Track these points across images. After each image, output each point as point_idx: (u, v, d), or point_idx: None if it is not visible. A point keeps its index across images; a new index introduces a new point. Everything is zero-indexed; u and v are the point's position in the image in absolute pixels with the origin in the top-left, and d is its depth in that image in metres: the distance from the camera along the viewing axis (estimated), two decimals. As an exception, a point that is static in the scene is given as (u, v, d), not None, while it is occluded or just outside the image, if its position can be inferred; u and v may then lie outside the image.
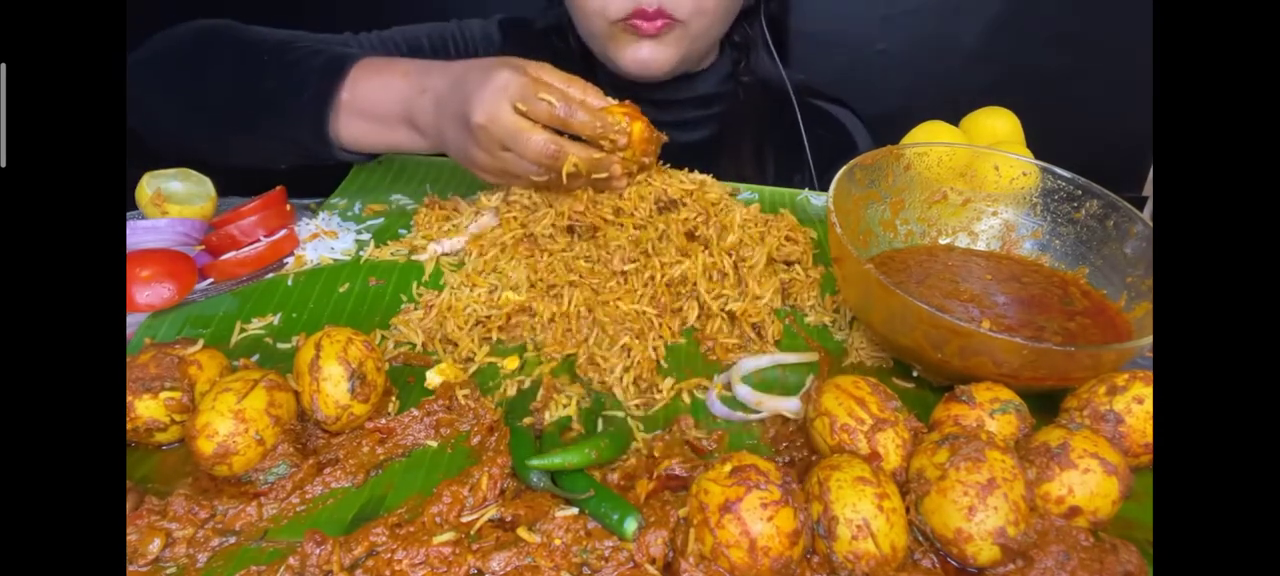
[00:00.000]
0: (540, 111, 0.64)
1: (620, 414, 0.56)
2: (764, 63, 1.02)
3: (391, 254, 0.72)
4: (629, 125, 0.67)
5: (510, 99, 0.64)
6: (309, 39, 0.83)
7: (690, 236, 0.71)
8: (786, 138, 1.00)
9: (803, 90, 1.02)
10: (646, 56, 0.88)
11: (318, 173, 0.86)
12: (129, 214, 0.74)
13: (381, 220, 0.79)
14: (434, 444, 0.52)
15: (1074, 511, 0.44)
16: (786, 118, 0.99)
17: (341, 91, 0.74)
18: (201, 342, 0.53)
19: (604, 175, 0.68)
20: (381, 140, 0.77)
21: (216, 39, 0.83)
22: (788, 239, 0.73)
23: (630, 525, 0.43)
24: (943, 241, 0.71)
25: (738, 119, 1.00)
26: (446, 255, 0.71)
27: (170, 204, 0.73)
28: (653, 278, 0.66)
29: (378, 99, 0.74)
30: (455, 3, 1.15)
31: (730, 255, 0.68)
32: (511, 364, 0.60)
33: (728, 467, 0.42)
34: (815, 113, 1.02)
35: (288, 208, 0.74)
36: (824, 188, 0.98)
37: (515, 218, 0.72)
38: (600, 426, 0.53)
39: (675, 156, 0.84)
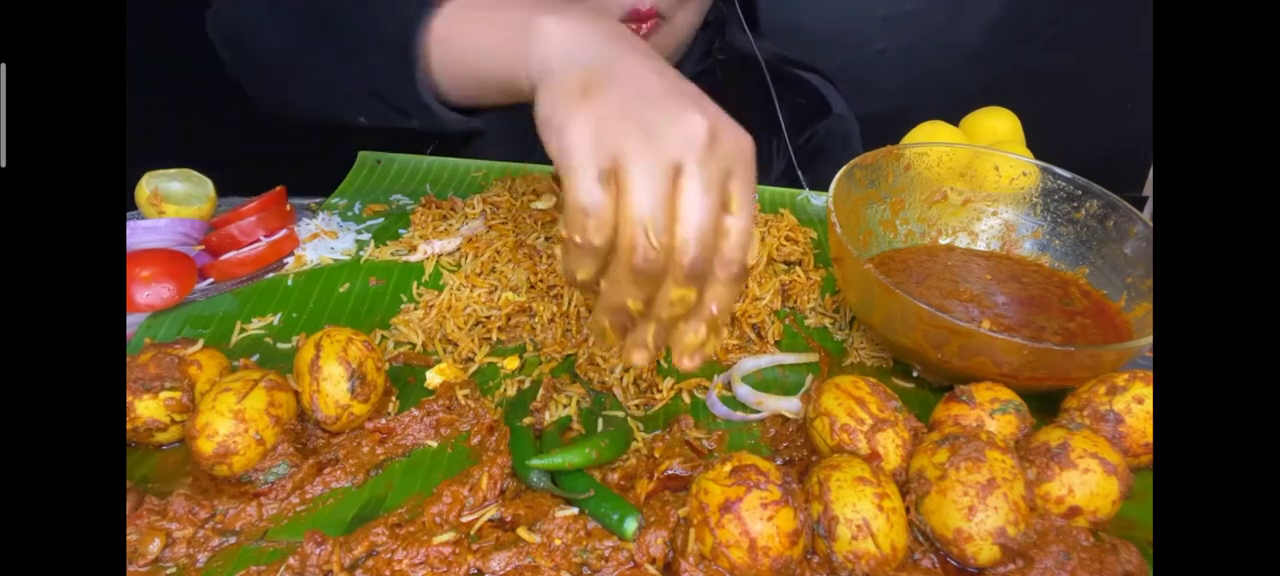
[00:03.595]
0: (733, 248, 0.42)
1: (620, 413, 0.56)
2: (738, 39, 1.02)
3: (391, 254, 0.72)
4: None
5: (664, 164, 0.39)
6: None
7: (690, 236, 0.71)
8: (763, 108, 1.00)
9: (778, 61, 1.03)
10: None
11: (319, 174, 0.86)
12: (129, 214, 0.74)
13: (381, 220, 0.79)
14: (434, 444, 0.52)
15: (1074, 511, 0.44)
16: (761, 88, 0.99)
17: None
18: (201, 342, 0.53)
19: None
20: (482, 43, 0.54)
21: None
22: (787, 239, 0.73)
23: (630, 525, 0.43)
24: (943, 241, 0.71)
25: (716, 95, 1.00)
26: (441, 255, 0.72)
27: (168, 204, 0.73)
28: (653, 278, 0.66)
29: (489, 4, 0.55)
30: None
31: (730, 255, 0.68)
32: (511, 364, 0.60)
33: (728, 467, 0.42)
34: (791, 80, 1.03)
35: (288, 208, 0.74)
36: (797, 152, 0.98)
37: (505, 225, 0.72)
38: (600, 426, 0.53)
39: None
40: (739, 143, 0.43)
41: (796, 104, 1.02)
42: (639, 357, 0.44)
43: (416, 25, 0.56)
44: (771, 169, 1.01)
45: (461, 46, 0.55)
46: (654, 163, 0.39)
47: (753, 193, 0.43)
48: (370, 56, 0.59)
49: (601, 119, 0.40)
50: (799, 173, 0.93)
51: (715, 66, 1.01)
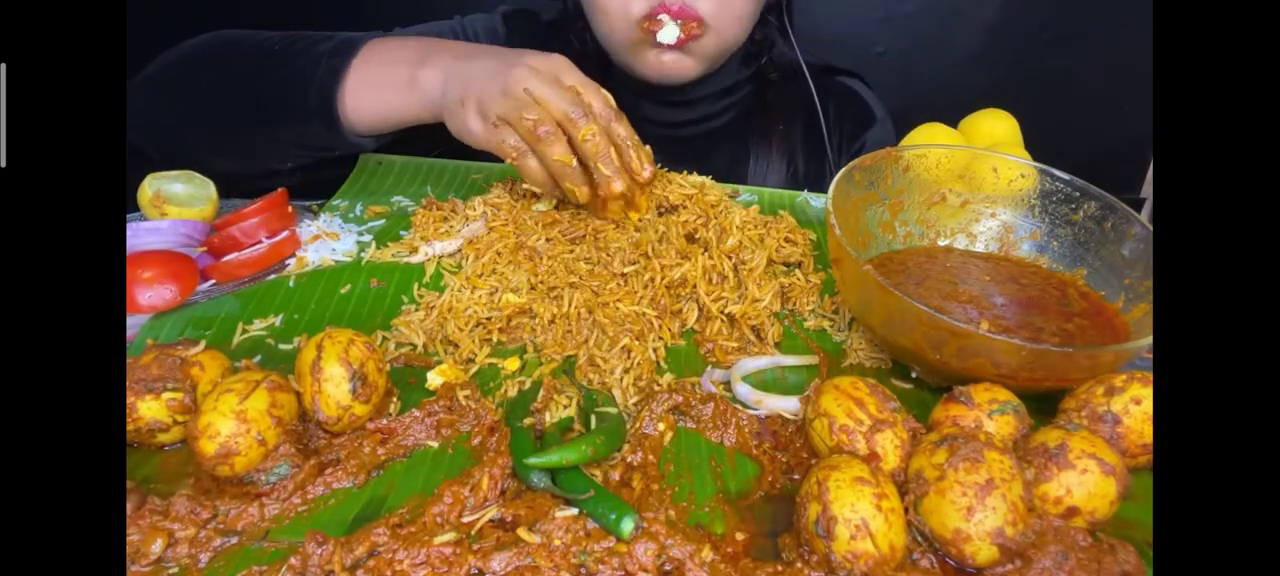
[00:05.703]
0: (594, 104, 0.67)
1: (613, 409, 0.56)
2: (782, 52, 1.02)
3: (392, 255, 0.72)
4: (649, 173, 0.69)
5: (575, 79, 0.68)
6: (318, 33, 0.83)
7: (690, 239, 0.71)
8: (813, 125, 1.02)
9: (822, 69, 1.03)
10: (669, 61, 0.86)
11: (320, 176, 0.86)
12: (131, 215, 0.74)
13: (382, 222, 0.79)
14: (435, 444, 0.52)
15: (1072, 511, 0.44)
16: (806, 99, 1.00)
17: (352, 68, 0.75)
18: (203, 343, 0.53)
19: (597, 194, 0.69)
20: (382, 103, 0.76)
21: (229, 44, 0.83)
22: (786, 240, 0.73)
23: (627, 525, 0.43)
24: (941, 243, 0.72)
25: (761, 107, 1.02)
26: (442, 256, 0.72)
27: (170, 205, 0.73)
28: (653, 280, 0.66)
29: (388, 61, 0.76)
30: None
31: (730, 258, 0.68)
32: (512, 365, 0.60)
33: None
34: (836, 89, 1.04)
35: (289, 209, 0.75)
36: (842, 157, 1.00)
37: (506, 226, 0.72)
38: (594, 423, 0.54)
39: (702, 142, 0.83)
40: (549, 59, 0.69)
41: (845, 115, 1.03)
42: (584, 192, 0.69)
43: (334, 96, 0.75)
44: (825, 187, 1.02)
45: (370, 114, 0.77)
46: (512, 97, 0.67)
47: (577, 73, 0.69)
48: (295, 119, 0.77)
49: (480, 104, 0.69)
50: None
51: (766, 84, 1.01)
